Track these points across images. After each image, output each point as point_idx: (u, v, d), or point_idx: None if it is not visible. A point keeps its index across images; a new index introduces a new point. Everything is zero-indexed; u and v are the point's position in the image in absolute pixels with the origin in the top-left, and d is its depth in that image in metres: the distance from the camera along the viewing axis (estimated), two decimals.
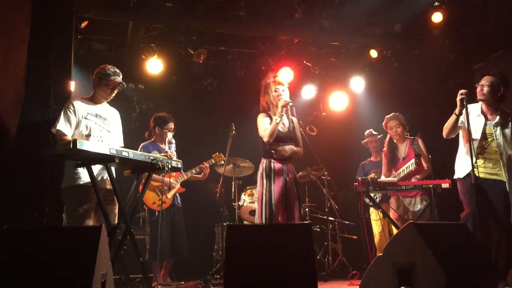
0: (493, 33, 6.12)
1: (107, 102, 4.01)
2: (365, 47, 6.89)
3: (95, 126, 3.78)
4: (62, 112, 3.69)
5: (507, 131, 4.13)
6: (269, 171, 4.10)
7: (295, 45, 6.96)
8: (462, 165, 4.23)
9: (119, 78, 3.88)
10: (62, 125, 3.63)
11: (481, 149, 4.12)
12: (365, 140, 6.24)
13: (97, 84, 3.89)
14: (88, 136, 3.71)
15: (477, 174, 3.98)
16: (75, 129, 3.69)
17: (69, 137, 3.60)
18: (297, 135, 4.31)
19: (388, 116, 5.22)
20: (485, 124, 4.14)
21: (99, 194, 3.47)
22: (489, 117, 4.17)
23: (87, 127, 3.73)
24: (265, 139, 4.07)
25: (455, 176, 4.30)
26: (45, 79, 4.29)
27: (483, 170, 4.10)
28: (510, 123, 4.16)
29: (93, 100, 3.91)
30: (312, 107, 8.11)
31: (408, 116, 5.28)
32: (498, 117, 4.13)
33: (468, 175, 4.07)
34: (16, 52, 3.92)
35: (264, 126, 4.13)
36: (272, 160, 4.13)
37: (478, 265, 3.01)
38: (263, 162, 4.18)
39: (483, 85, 4.15)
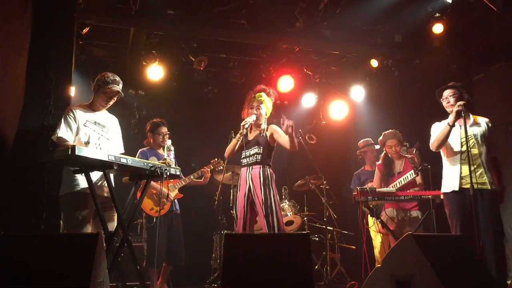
0: (493, 44, 6.14)
1: (106, 109, 4.00)
2: (366, 56, 6.91)
3: (93, 133, 3.78)
4: (63, 119, 3.68)
5: (481, 130, 4.23)
6: (237, 180, 4.31)
7: (296, 53, 6.99)
8: (448, 180, 4.26)
9: (117, 87, 3.86)
10: (63, 132, 3.62)
11: (465, 160, 4.15)
12: (363, 150, 6.09)
13: (95, 91, 3.90)
14: (87, 143, 3.70)
15: (464, 186, 4.06)
16: (75, 136, 3.69)
17: (71, 143, 3.59)
18: (264, 140, 4.25)
19: (385, 132, 5.20)
20: (460, 133, 4.22)
21: (96, 201, 3.44)
22: (461, 124, 4.22)
23: (86, 135, 3.72)
24: (225, 155, 4.33)
25: (442, 191, 4.32)
26: (45, 84, 4.27)
27: (468, 180, 4.10)
28: (483, 125, 4.27)
29: (92, 107, 3.91)
30: (312, 115, 8.12)
31: (407, 126, 5.28)
32: (471, 120, 4.25)
33: (454, 191, 4.14)
34: (16, 58, 3.91)
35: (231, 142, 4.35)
36: (241, 169, 4.30)
37: (477, 277, 2.99)
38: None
39: (448, 97, 4.29)
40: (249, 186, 4.11)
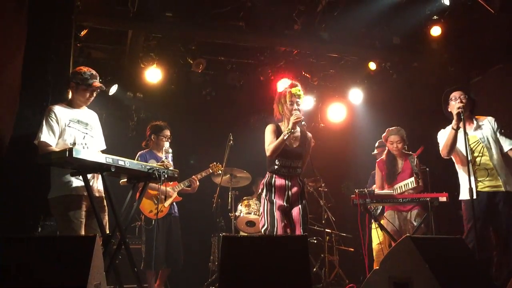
0: (491, 47, 6.15)
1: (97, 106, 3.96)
2: (364, 59, 6.93)
3: (78, 133, 3.70)
4: (44, 122, 3.56)
5: (487, 132, 4.22)
6: (270, 187, 3.93)
7: (294, 56, 7.00)
8: (463, 187, 4.27)
9: (97, 81, 3.78)
10: (45, 136, 3.52)
11: (479, 166, 4.16)
12: (377, 152, 6.03)
13: (74, 89, 3.77)
14: (73, 145, 3.57)
15: (480, 190, 4.07)
16: (59, 138, 3.60)
17: (53, 147, 3.52)
18: (306, 154, 4.09)
19: (390, 128, 5.16)
20: (467, 135, 4.16)
21: (94, 202, 3.43)
22: (467, 128, 4.22)
23: (71, 136, 3.64)
24: (268, 153, 3.91)
25: (460, 198, 4.32)
26: (43, 87, 4.28)
27: (484, 184, 4.12)
28: (488, 126, 4.26)
29: (72, 105, 3.79)
30: (310, 118, 8.11)
31: (406, 128, 5.26)
32: (474, 124, 4.28)
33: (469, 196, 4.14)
34: (11, 60, 3.90)
35: (270, 139, 3.94)
36: (274, 176, 3.96)
37: (475, 280, 2.98)
38: (266, 176, 4.02)
39: (458, 98, 4.27)
40: (288, 195, 3.91)
